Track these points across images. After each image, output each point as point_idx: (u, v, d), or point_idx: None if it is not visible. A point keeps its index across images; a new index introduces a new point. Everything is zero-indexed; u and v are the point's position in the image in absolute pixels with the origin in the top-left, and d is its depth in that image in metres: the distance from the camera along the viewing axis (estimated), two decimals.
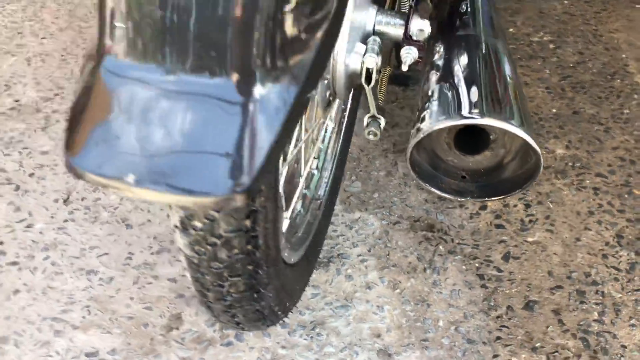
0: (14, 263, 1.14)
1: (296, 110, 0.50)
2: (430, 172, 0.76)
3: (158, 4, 0.47)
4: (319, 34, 0.52)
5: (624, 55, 1.85)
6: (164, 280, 1.13)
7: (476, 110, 0.65)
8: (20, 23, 1.79)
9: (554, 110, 1.61)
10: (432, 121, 0.66)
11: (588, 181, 1.40)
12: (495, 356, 1.05)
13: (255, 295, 0.78)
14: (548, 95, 1.66)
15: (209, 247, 0.68)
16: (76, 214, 1.24)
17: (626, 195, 1.37)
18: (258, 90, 0.48)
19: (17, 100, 1.51)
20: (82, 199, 1.27)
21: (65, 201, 1.26)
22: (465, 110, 0.65)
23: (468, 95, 0.67)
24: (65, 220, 1.23)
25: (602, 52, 1.86)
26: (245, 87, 0.48)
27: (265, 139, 0.48)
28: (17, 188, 1.28)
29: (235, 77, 0.48)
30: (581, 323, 1.11)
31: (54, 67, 1.63)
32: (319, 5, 0.51)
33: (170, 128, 0.48)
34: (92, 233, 1.20)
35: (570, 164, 1.45)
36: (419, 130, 0.68)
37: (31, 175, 1.32)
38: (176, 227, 0.68)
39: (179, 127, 0.48)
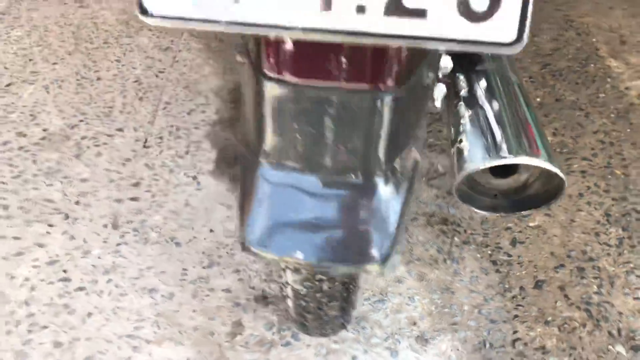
0: (81, 288, 1.26)
1: (409, 196, 0.63)
2: (469, 192, 0.90)
3: (303, 125, 0.60)
4: (419, 135, 0.66)
5: (594, 39, 2.02)
6: (219, 291, 1.27)
7: (512, 150, 0.79)
8: (29, 49, 1.86)
9: (538, 99, 1.78)
10: (476, 161, 0.80)
11: (576, 165, 1.57)
12: (515, 332, 1.22)
13: (344, 313, 0.93)
14: (532, 85, 1.82)
15: (316, 282, 0.81)
16: (126, 237, 1.36)
17: (609, 176, 1.55)
18: (383, 189, 0.62)
19: (45, 130, 1.60)
20: (129, 222, 1.39)
21: (115, 226, 1.37)
22: (503, 151, 0.80)
23: (502, 134, 0.81)
24: (118, 244, 1.34)
25: (575, 37, 2.02)
26: (374, 186, 0.62)
27: (393, 221, 0.62)
28: (67, 217, 1.39)
29: (366, 178, 0.61)
30: (583, 296, 1.29)
31: (72, 93, 1.72)
32: (417, 123, 0.65)
33: (321, 215, 0.61)
34: (145, 254, 1.33)
35: (558, 150, 1.62)
36: (462, 160, 0.82)
37: (77, 203, 1.42)
38: (288, 268, 0.81)
39: (328, 214, 0.61)
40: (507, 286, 1.30)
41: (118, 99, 1.71)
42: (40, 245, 1.33)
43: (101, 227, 1.38)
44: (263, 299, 1.25)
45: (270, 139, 0.63)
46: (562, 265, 1.34)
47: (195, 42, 1.92)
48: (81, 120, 1.64)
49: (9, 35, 1.92)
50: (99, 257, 1.32)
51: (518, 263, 1.35)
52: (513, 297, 1.28)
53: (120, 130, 1.61)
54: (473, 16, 0.50)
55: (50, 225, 1.37)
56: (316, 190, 0.62)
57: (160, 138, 1.59)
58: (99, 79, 1.77)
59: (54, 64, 1.81)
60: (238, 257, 1.32)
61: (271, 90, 0.61)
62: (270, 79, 0.61)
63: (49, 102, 1.69)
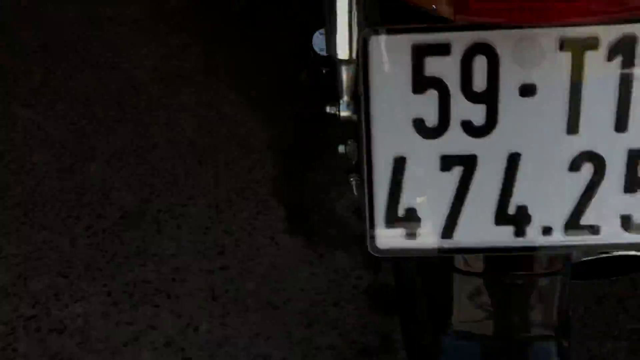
0: None
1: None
2: None
3: (489, 304, 0.75)
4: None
5: None
6: (325, 349, 1.42)
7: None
8: (79, 123, 1.94)
9: None
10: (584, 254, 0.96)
11: None
12: (589, 350, 1.40)
13: None
14: None
15: None
16: (228, 307, 1.49)
17: None
18: (560, 344, 0.77)
19: (121, 208, 1.71)
20: (227, 292, 1.52)
21: (214, 297, 1.51)
22: None
23: None
24: (222, 315, 1.48)
25: None
26: (555, 342, 0.77)
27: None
28: (169, 295, 1.52)
29: (546, 336, 0.77)
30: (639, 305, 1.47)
31: (134, 164, 1.82)
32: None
33: None
34: (249, 321, 1.47)
35: None
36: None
37: (173, 280, 1.55)
38: None
39: None
40: (573, 306, 1.47)
41: (179, 165, 1.81)
42: (153, 327, 1.46)
43: (202, 300, 1.51)
44: (365, 352, 1.41)
45: (458, 316, 0.77)
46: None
47: (233, 95, 2.01)
48: (151, 193, 1.74)
49: (55, 109, 1.99)
50: (208, 332, 1.45)
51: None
52: (580, 317, 1.45)
53: (190, 198, 1.73)
54: (634, 228, 0.65)
55: (156, 306, 1.50)
56: (502, 351, 0.77)
57: (230, 201, 1.71)
58: (154, 147, 1.87)
59: (107, 135, 1.91)
60: (332, 314, 1.47)
61: (462, 282, 0.75)
62: (461, 272, 0.75)
63: (115, 178, 1.79)
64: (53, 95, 2.04)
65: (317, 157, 1.82)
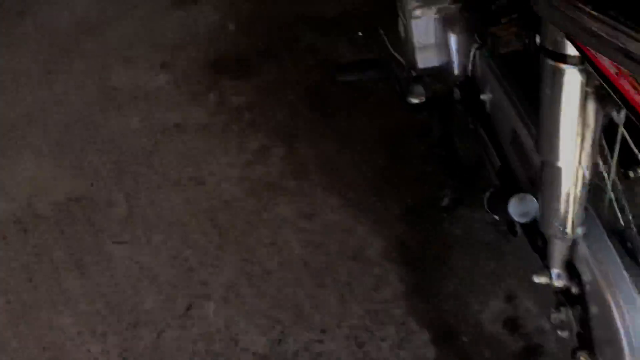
0: None
1: None
2: None
3: None
4: None
5: None
6: None
7: None
8: (181, 256, 1.84)
9: None
10: None
11: None
12: None
13: None
14: None
15: None
16: None
17: None
18: None
19: (254, 353, 1.62)
20: None
21: None
22: None
23: None
24: None
25: None
26: None
27: None
28: None
29: None
30: None
31: (253, 298, 1.73)
32: None
33: None
34: None
35: None
36: None
37: None
38: None
39: None
40: None
41: (299, 292, 1.73)
42: None
43: None
44: None
45: None
46: None
47: (332, 199, 1.92)
48: (282, 331, 1.66)
49: (151, 242, 1.89)
50: None
51: None
52: None
53: (324, 331, 1.64)
54: None
55: None
56: None
57: (367, 329, 1.63)
58: (268, 273, 1.78)
59: (215, 266, 1.81)
60: None
61: None
62: None
63: (238, 317, 1.70)
64: (144, 225, 1.94)
65: (444, 263, 1.74)
